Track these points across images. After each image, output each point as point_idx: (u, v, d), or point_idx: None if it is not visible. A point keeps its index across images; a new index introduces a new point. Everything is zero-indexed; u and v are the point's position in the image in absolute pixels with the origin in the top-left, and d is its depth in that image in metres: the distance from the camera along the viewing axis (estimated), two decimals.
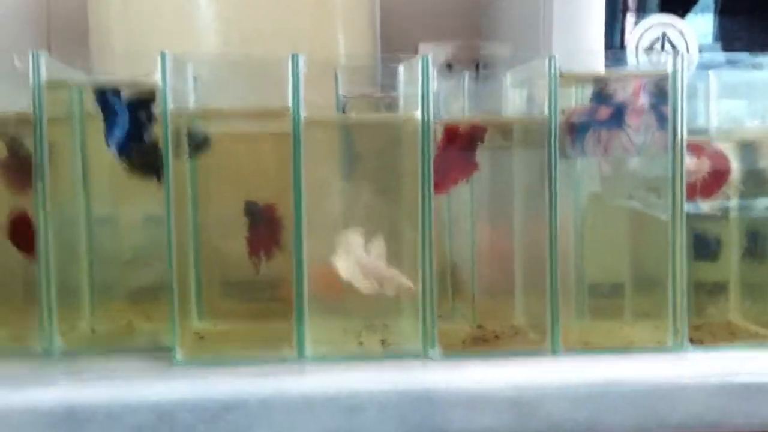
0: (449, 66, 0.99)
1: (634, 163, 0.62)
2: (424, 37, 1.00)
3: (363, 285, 0.57)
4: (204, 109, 0.57)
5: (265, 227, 0.58)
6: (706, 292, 0.65)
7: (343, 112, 0.64)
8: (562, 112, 0.58)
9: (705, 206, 0.64)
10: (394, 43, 0.97)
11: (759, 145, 0.64)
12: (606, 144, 0.59)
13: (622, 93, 0.59)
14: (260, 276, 0.59)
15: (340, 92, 0.65)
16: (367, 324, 0.60)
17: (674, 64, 0.58)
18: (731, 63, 0.69)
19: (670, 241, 0.58)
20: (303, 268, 0.54)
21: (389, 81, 0.62)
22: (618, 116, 0.59)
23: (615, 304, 0.64)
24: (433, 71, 0.56)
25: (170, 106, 0.53)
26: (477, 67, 0.98)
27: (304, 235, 0.55)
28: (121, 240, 0.61)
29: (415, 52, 0.99)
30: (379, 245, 0.57)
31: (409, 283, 0.56)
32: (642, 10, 0.74)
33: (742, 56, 0.71)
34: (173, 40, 0.71)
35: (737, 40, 0.76)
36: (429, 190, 0.56)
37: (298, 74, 0.54)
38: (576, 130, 0.59)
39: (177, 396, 0.49)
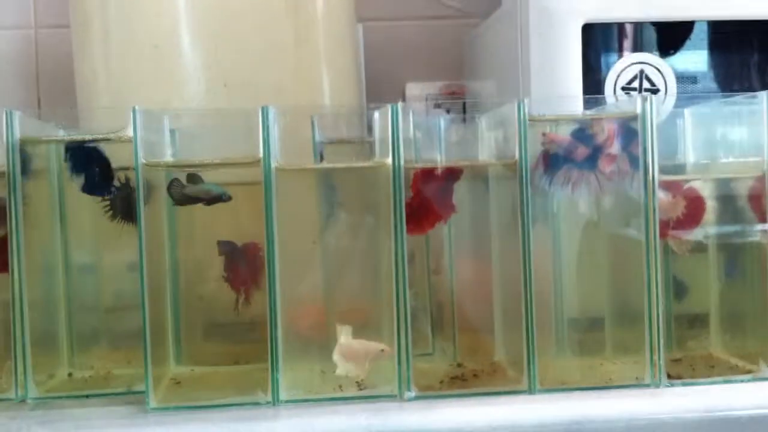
0: (438, 105, 1.01)
1: (612, 200, 0.62)
2: (411, 77, 1.01)
3: (350, 372, 0.57)
4: (177, 162, 0.58)
5: (246, 267, 0.59)
6: (686, 325, 0.66)
7: (321, 157, 0.65)
8: (543, 134, 0.59)
9: (682, 242, 0.64)
10: (381, 86, 0.99)
11: (734, 181, 0.64)
12: (575, 182, 0.59)
13: (600, 136, 0.60)
14: (239, 318, 0.60)
15: (318, 138, 0.65)
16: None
17: (643, 106, 0.59)
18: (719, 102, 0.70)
19: (646, 276, 0.58)
20: (277, 311, 0.55)
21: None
22: (592, 159, 0.60)
23: (595, 339, 0.64)
24: (404, 118, 0.57)
25: (141, 159, 0.54)
26: (464, 106, 1.00)
27: (277, 280, 0.55)
28: (101, 287, 0.62)
29: (402, 92, 1.00)
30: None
31: (381, 346, 0.57)
32: (620, 50, 0.75)
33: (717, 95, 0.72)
34: (156, 91, 0.72)
35: (715, 76, 0.76)
36: (402, 233, 0.56)
37: (268, 126, 0.55)
38: (550, 163, 0.60)
39: None
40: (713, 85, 0.76)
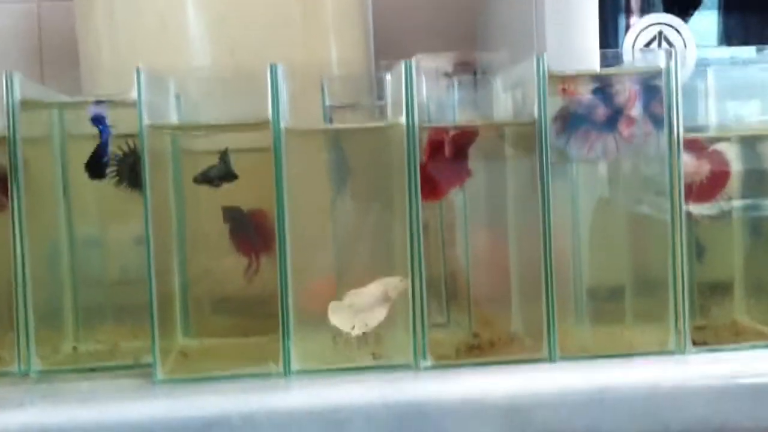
0: (448, 76, 0.99)
1: (633, 164, 0.60)
2: (421, 48, 0.99)
3: (371, 323, 0.56)
4: (183, 124, 0.56)
5: (254, 233, 0.57)
6: (710, 291, 0.63)
7: (331, 122, 0.63)
8: (564, 90, 0.57)
9: (706, 207, 0.62)
10: (390, 56, 0.96)
11: (760, 142, 0.62)
12: (592, 144, 0.57)
13: (622, 96, 0.58)
14: (250, 290, 0.58)
15: (328, 103, 0.64)
16: (359, 335, 0.59)
17: (667, 61, 0.56)
18: (736, 61, 0.67)
19: (670, 241, 0.57)
20: (288, 280, 0.53)
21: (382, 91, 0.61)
22: (612, 121, 0.57)
23: (615, 308, 0.62)
24: (417, 77, 0.55)
25: (146, 121, 0.52)
26: (475, 76, 0.97)
27: (288, 248, 0.53)
28: (107, 260, 0.61)
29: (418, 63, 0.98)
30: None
31: (397, 281, 0.55)
32: (638, 11, 0.72)
33: (748, 51, 0.70)
34: (161, 56, 0.71)
35: (743, 39, 0.74)
36: (417, 197, 0.54)
37: (277, 85, 0.53)
38: (569, 122, 0.58)
39: (157, 415, 0.48)
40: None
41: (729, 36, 0.73)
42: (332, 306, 0.55)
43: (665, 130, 0.56)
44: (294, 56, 0.73)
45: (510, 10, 0.83)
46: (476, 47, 0.98)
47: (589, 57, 0.70)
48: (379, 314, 0.55)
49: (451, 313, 0.63)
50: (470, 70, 0.97)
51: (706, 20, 0.73)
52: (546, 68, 0.55)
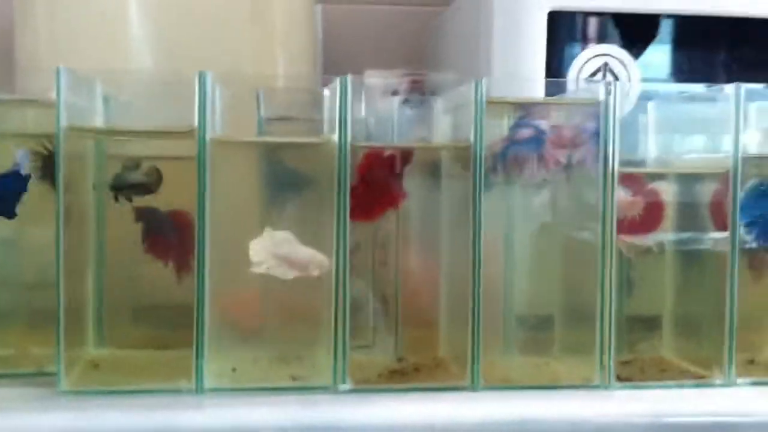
0: (396, 94, 0.98)
1: (568, 193, 0.59)
2: (370, 65, 0.98)
3: (277, 271, 0.53)
4: (103, 128, 0.54)
5: (173, 236, 0.55)
6: (638, 326, 0.63)
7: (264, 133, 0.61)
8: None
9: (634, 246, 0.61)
10: (339, 70, 0.95)
11: (697, 179, 0.62)
12: (522, 164, 0.57)
13: (555, 123, 0.57)
14: (166, 299, 0.56)
15: (264, 114, 0.62)
16: (280, 355, 0.57)
17: (606, 94, 0.56)
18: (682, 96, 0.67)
19: (600, 274, 0.56)
20: (205, 294, 0.51)
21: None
22: (537, 139, 0.57)
23: (543, 338, 0.62)
24: (359, 94, 0.54)
25: (64, 123, 0.50)
26: (423, 96, 0.97)
27: (207, 260, 0.52)
28: (22, 261, 0.58)
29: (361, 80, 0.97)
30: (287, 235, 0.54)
31: (325, 261, 0.53)
32: (585, 40, 0.72)
33: (697, 87, 0.70)
34: (102, 60, 0.69)
35: (681, 71, 0.74)
36: (345, 216, 0.53)
37: (205, 93, 0.52)
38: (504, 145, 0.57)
39: (58, 428, 0.46)
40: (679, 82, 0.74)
41: (680, 71, 0.74)
42: (263, 234, 0.53)
43: (600, 162, 0.56)
44: (238, 63, 0.71)
45: (460, 30, 0.83)
46: (426, 66, 0.97)
47: (534, 84, 0.69)
48: (288, 273, 0.53)
49: (378, 335, 0.62)
50: (420, 89, 0.97)
51: (659, 54, 0.73)
52: (484, 93, 0.54)
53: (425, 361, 0.60)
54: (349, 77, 0.53)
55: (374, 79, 0.98)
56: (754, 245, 0.59)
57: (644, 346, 0.63)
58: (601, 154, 0.56)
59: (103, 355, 0.57)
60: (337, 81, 0.54)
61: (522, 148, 0.57)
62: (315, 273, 0.54)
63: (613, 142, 0.56)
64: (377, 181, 0.57)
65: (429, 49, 0.97)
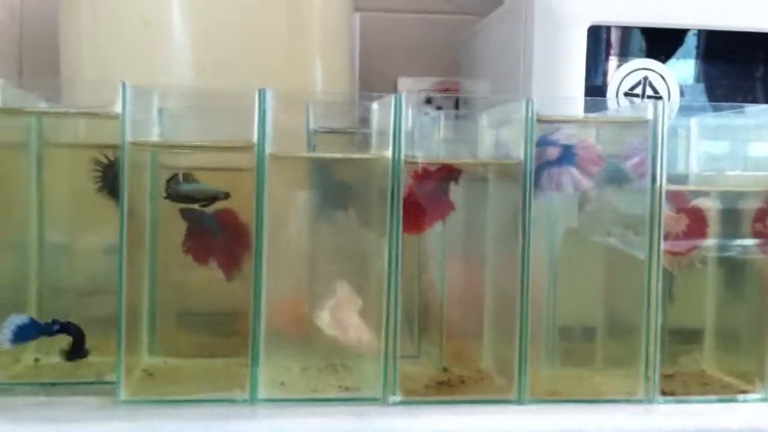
0: (429, 100, 0.98)
1: (613, 208, 0.60)
2: (404, 72, 0.99)
3: (325, 326, 0.55)
4: (167, 142, 0.55)
5: (222, 237, 0.56)
6: (680, 340, 0.63)
7: (314, 146, 0.62)
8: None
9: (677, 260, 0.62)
10: (373, 78, 0.96)
11: (739, 197, 0.62)
12: (557, 181, 0.57)
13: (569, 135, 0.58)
14: (218, 308, 0.57)
15: (312, 126, 0.63)
16: (328, 364, 0.58)
17: (654, 112, 0.56)
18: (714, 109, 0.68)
19: (646, 286, 0.56)
20: (261, 305, 0.52)
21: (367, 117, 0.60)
22: (567, 157, 0.57)
23: (586, 350, 0.62)
24: (407, 110, 0.55)
25: (128, 138, 0.51)
26: (456, 103, 0.97)
27: (264, 270, 0.52)
28: (75, 269, 0.59)
29: (394, 86, 0.98)
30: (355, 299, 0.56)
31: (370, 339, 0.54)
32: (624, 54, 0.73)
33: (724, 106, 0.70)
34: (144, 69, 0.69)
35: (719, 86, 0.75)
36: (398, 230, 0.54)
37: (264, 110, 0.52)
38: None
39: None
40: (715, 97, 0.74)
41: (718, 86, 0.74)
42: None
43: (649, 179, 0.56)
44: (277, 72, 0.71)
45: (497, 41, 0.83)
46: (459, 74, 0.98)
47: (573, 99, 0.70)
48: (331, 331, 0.55)
49: (422, 345, 0.63)
50: (452, 96, 0.97)
51: (696, 68, 0.74)
52: (534, 112, 0.55)
53: (469, 372, 0.60)
54: (404, 95, 0.54)
55: (407, 85, 0.99)
56: None
57: (686, 359, 0.63)
58: (650, 172, 0.56)
59: (156, 363, 0.58)
60: (392, 98, 0.54)
61: (553, 168, 0.57)
62: (353, 343, 0.55)
63: (662, 160, 0.56)
64: (426, 194, 0.58)
65: (463, 58, 0.97)
